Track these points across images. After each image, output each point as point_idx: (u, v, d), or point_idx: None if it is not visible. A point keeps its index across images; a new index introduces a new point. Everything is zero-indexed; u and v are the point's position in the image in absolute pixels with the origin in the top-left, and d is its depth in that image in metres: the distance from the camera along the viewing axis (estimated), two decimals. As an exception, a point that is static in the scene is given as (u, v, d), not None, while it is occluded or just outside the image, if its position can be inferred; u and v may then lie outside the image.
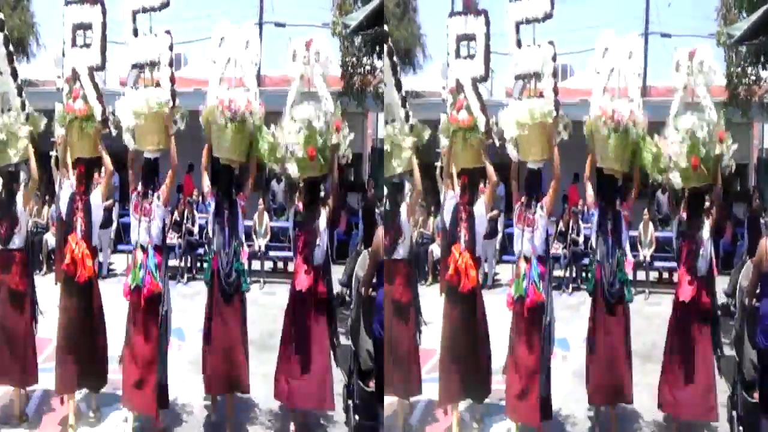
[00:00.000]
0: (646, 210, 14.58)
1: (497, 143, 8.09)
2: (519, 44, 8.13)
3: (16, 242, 8.33)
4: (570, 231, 14.57)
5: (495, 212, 11.46)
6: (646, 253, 14.37)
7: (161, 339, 8.04)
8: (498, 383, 8.47)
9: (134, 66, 8.17)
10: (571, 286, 14.04)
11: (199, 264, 15.49)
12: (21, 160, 8.44)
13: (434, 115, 8.61)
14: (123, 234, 14.59)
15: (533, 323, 7.85)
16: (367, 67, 16.13)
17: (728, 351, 8.40)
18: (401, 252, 8.30)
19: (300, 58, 7.84)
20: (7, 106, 8.37)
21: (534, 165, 7.95)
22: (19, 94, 8.38)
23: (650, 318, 10.26)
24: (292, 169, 7.76)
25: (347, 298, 9.72)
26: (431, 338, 8.72)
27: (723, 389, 8.29)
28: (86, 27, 8.25)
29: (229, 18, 8.17)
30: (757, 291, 7.89)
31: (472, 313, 8.17)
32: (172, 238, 14.49)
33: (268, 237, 15.15)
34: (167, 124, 7.93)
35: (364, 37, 15.55)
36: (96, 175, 8.81)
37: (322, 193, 8.25)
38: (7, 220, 8.28)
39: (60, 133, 8.91)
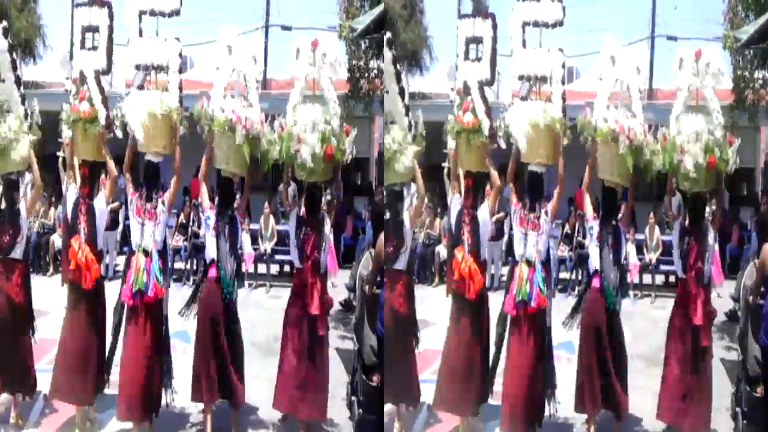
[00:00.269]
0: (652, 213, 14.57)
1: (503, 145, 8.08)
2: (524, 44, 8.13)
3: (18, 252, 8.30)
4: (576, 234, 14.56)
5: (501, 214, 11.45)
6: (651, 256, 14.34)
7: (162, 344, 8.04)
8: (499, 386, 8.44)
9: (138, 67, 8.14)
10: (577, 288, 14.02)
11: (204, 269, 15.49)
12: (23, 168, 8.44)
13: (441, 117, 8.60)
14: (128, 236, 14.58)
15: (536, 327, 7.84)
16: (374, 71, 16.12)
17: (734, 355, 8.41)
18: (402, 262, 8.26)
19: (305, 57, 7.81)
20: (12, 113, 8.36)
21: (537, 168, 7.95)
22: (22, 102, 8.38)
23: (656, 321, 10.23)
24: (308, 162, 7.69)
25: (354, 303, 9.69)
26: (437, 340, 8.70)
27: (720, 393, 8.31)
28: (94, 30, 8.25)
29: (235, 21, 8.17)
30: (761, 290, 8.02)
31: (479, 319, 8.15)
32: (178, 241, 14.52)
33: (275, 240, 15.17)
34: (175, 131, 7.94)
35: (370, 41, 15.54)
36: (101, 177, 8.81)
37: (327, 197, 8.26)
38: (9, 228, 8.23)
39: (67, 134, 8.93)
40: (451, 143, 8.38)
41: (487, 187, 8.84)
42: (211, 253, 8.00)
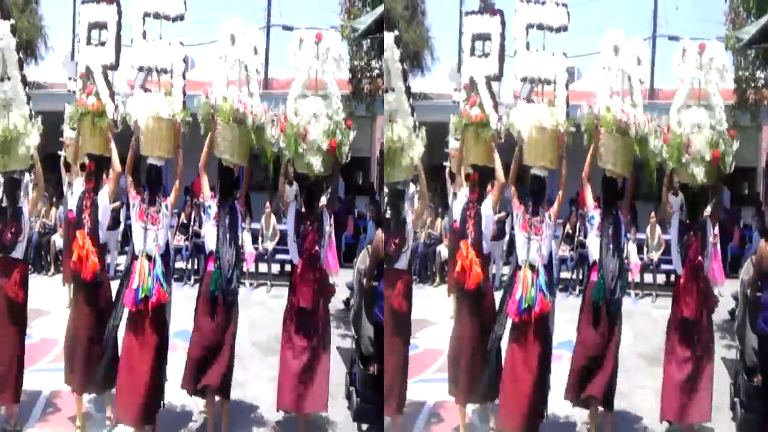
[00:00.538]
0: (653, 212, 14.56)
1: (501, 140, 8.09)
2: (528, 47, 8.14)
3: (19, 251, 8.28)
4: (577, 233, 14.56)
5: (503, 214, 11.43)
6: (653, 255, 14.33)
7: (161, 350, 8.01)
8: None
9: (141, 68, 8.17)
10: (578, 288, 14.00)
11: (205, 259, 15.49)
12: (26, 166, 8.43)
13: (443, 118, 8.61)
14: (129, 236, 14.57)
15: (540, 331, 7.83)
16: (376, 71, 16.11)
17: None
18: (404, 261, 8.26)
19: (309, 51, 7.80)
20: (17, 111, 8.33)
21: (540, 172, 7.94)
22: (28, 102, 8.38)
23: (657, 321, 10.19)
24: (316, 163, 7.70)
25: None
26: (438, 339, 8.72)
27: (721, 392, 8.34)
28: (101, 26, 8.29)
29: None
30: (759, 284, 8.27)
31: (479, 310, 8.16)
32: (180, 241, 14.51)
33: (276, 239, 15.17)
34: (178, 135, 7.95)
35: (372, 41, 15.54)
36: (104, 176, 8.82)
37: (327, 195, 8.27)
38: (12, 227, 8.22)
39: (69, 135, 8.92)
40: (453, 143, 8.37)
41: (488, 186, 8.86)
42: (210, 244, 8.01)
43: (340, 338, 9.95)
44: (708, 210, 8.04)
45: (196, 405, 8.56)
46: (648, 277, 14.39)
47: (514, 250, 8.13)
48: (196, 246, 14.43)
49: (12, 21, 8.32)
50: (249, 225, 13.93)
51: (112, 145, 8.15)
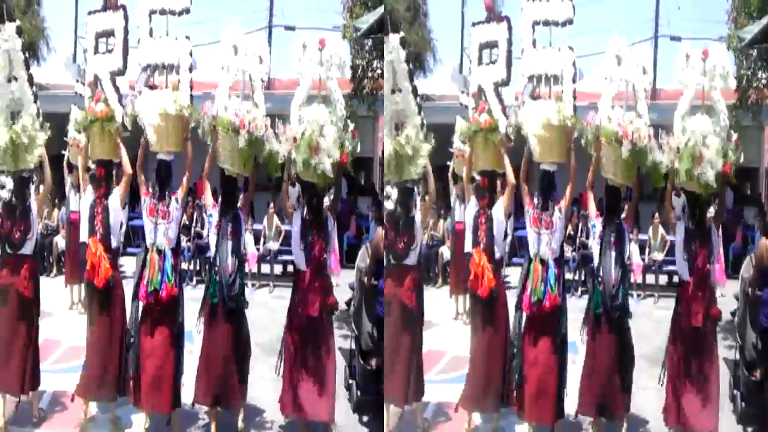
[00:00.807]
0: (656, 214, 14.54)
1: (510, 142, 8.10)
2: (534, 44, 8.19)
3: (28, 248, 8.39)
4: (579, 234, 14.56)
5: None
6: (654, 256, 14.32)
7: (177, 339, 8.08)
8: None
9: (147, 67, 8.19)
10: (580, 289, 13.99)
11: (207, 267, 15.50)
12: (35, 165, 8.52)
13: (444, 119, 8.62)
14: (132, 237, 14.59)
15: (551, 325, 7.89)
16: (378, 71, 16.10)
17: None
18: (413, 258, 8.32)
19: (313, 57, 7.81)
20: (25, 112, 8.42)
21: (549, 167, 8.00)
22: (35, 101, 8.46)
23: (659, 322, 10.18)
24: (328, 172, 7.70)
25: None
26: (441, 340, 8.73)
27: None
28: (108, 34, 8.40)
29: (238, 22, 8.16)
30: (759, 282, 8.55)
31: (492, 316, 8.21)
32: (182, 242, 14.50)
33: (280, 240, 15.16)
34: (186, 129, 7.99)
35: (374, 41, 15.53)
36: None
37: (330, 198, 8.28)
38: (21, 225, 8.32)
39: (73, 135, 8.94)
40: (457, 143, 8.38)
41: (498, 188, 8.89)
42: (213, 252, 8.06)
43: (342, 339, 9.95)
44: (711, 211, 8.04)
45: (201, 408, 8.57)
46: (650, 278, 14.40)
47: (517, 250, 8.16)
48: (198, 247, 14.44)
49: (18, 23, 8.41)
50: (251, 226, 13.94)
51: (122, 148, 8.23)
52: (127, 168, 8.18)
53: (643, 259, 14.16)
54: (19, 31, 8.35)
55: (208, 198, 8.11)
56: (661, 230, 14.68)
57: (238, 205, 8.16)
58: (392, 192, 8.32)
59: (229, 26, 8.04)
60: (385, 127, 8.25)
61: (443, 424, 8.79)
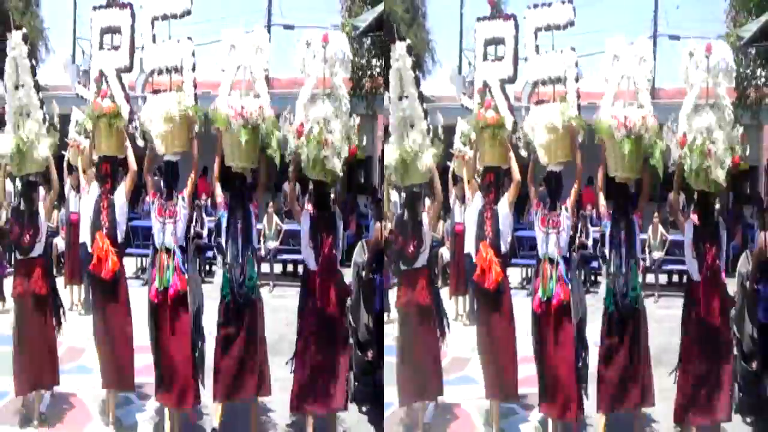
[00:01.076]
0: (656, 213, 14.57)
1: (523, 154, 8.17)
2: (537, 50, 8.29)
3: (37, 250, 8.46)
4: (579, 234, 14.57)
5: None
6: (654, 255, 14.34)
7: (195, 335, 8.12)
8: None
9: (151, 72, 8.25)
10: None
11: (207, 267, 15.54)
12: (42, 170, 8.58)
13: (444, 120, 8.63)
14: (132, 237, 14.61)
15: (564, 322, 7.92)
16: (377, 69, 16.13)
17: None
18: (422, 259, 8.33)
19: (318, 54, 7.77)
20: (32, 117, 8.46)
21: (555, 167, 8.05)
22: (41, 107, 8.52)
23: (660, 321, 10.24)
24: (338, 168, 7.71)
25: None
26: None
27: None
28: (114, 30, 8.46)
29: (237, 21, 8.20)
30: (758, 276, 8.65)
31: (499, 309, 8.22)
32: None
33: (279, 239, 15.18)
34: (191, 128, 8.04)
35: (373, 39, 15.56)
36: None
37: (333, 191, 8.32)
38: (30, 229, 8.39)
39: (73, 136, 8.96)
40: (457, 143, 8.40)
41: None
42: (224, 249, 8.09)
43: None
44: (716, 207, 8.08)
45: (210, 406, 8.56)
46: (650, 277, 14.42)
47: (516, 252, 8.17)
48: (197, 246, 14.45)
49: (24, 30, 8.51)
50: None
51: (128, 144, 8.27)
52: (133, 164, 8.25)
53: (644, 259, 14.17)
54: (26, 38, 8.45)
55: (218, 198, 8.13)
56: (660, 229, 14.72)
57: (255, 199, 8.15)
58: (397, 197, 8.36)
59: (229, 28, 8.05)
60: (393, 134, 8.24)
61: (443, 424, 8.79)
